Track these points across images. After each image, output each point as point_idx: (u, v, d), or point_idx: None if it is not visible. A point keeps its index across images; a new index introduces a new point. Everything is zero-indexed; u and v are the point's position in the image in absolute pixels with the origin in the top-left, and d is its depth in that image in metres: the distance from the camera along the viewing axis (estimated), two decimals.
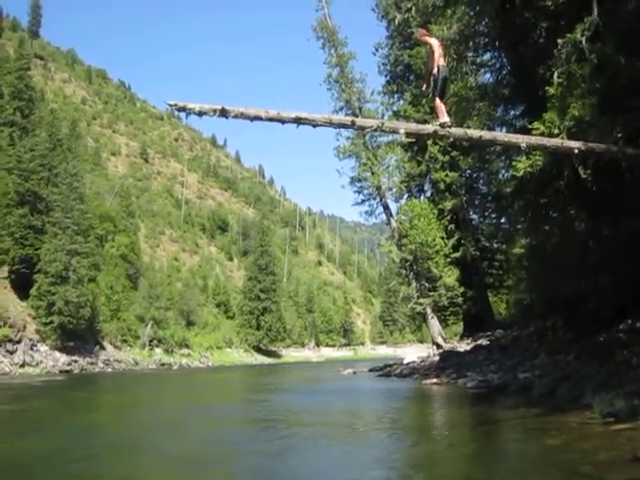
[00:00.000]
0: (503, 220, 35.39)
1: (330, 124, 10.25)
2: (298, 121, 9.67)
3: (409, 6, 31.51)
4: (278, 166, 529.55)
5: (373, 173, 38.52)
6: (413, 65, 38.34)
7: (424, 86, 12.16)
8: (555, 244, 20.34)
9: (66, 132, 71.61)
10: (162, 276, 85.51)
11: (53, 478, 8.19)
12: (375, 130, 10.54)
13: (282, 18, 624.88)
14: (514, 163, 17.30)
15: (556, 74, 15.61)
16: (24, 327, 47.38)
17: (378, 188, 38.72)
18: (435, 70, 11.11)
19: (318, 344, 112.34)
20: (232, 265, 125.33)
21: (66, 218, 51.94)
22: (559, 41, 15.37)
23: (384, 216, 40.01)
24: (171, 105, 9.14)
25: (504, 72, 23.59)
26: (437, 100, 11.19)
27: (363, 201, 40.07)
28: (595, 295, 16.92)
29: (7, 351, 43.90)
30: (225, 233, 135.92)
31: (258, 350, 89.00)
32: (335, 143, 40.11)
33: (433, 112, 11.21)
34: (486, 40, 23.04)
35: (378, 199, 39.42)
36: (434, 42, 11.45)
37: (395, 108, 41.07)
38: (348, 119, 11.89)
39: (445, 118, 10.88)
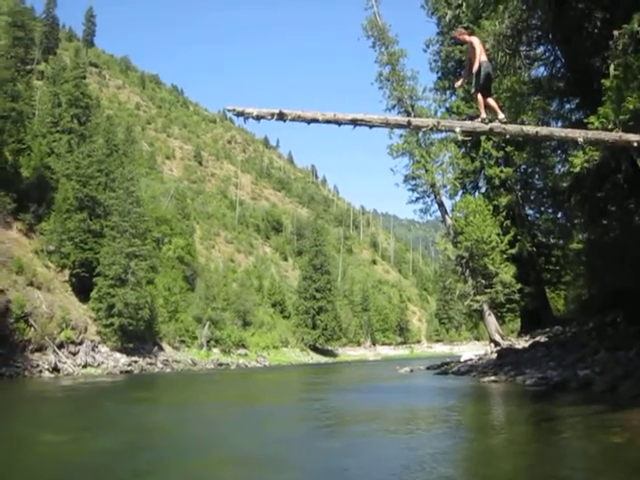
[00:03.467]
0: (560, 215, 34.99)
1: (386, 125, 10.32)
2: (354, 123, 9.75)
3: (460, 2, 31.37)
4: (330, 166, 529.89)
5: (427, 170, 38.34)
6: (465, 61, 37.98)
7: (458, 82, 12.16)
8: (614, 238, 20.05)
9: (122, 137, 73.09)
10: (218, 277, 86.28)
11: (122, 474, 8.40)
12: (431, 129, 10.55)
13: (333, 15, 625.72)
14: (570, 158, 17.12)
15: (612, 66, 15.40)
16: (85, 329, 48.40)
17: (432, 185, 38.53)
18: (477, 66, 11.06)
19: (374, 343, 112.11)
20: (287, 265, 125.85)
21: (124, 222, 52.90)
22: (615, 32, 15.16)
23: (439, 213, 39.83)
24: (230, 110, 9.33)
25: (558, 65, 23.31)
26: (479, 96, 11.15)
27: (417, 199, 39.93)
28: None
29: (70, 352, 44.93)
30: (279, 233, 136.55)
31: (314, 349, 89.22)
32: (388, 141, 39.99)
33: (492, 110, 11.10)
34: (539, 33, 22.80)
35: (432, 196, 39.23)
36: (475, 40, 11.39)
37: (447, 105, 40.79)
38: (404, 119, 11.90)
39: (499, 114, 10.85)
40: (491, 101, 11.15)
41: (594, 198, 20.40)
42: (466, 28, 14.46)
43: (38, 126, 58.27)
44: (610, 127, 13.81)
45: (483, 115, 10.81)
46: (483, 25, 22.83)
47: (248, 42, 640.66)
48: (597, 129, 13.50)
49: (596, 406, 12.39)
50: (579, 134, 10.98)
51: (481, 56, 11.11)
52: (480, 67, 11.04)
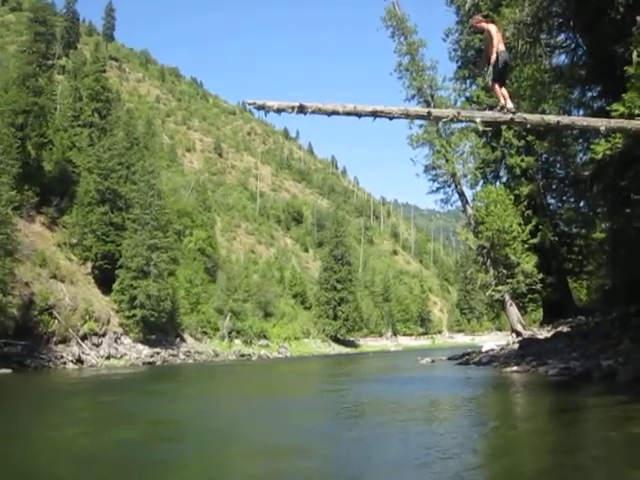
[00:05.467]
0: (582, 204, 34.62)
1: (407, 116, 10.28)
2: (375, 114, 9.72)
3: None
4: (350, 156, 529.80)
5: (447, 160, 38.17)
6: (483, 49, 37.58)
7: (477, 70, 12.07)
8: (638, 227, 19.83)
9: (142, 130, 73.51)
10: (239, 269, 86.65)
11: (145, 466, 8.46)
12: (451, 120, 10.50)
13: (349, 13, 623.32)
14: (592, 146, 16.96)
15: (635, 53, 15.22)
16: (108, 321, 48.85)
17: (453, 175, 38.37)
18: (494, 56, 10.95)
19: (395, 333, 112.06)
20: (308, 256, 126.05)
21: (145, 214, 53.21)
22: (638, 18, 14.97)
23: (459, 203, 39.63)
24: (250, 104, 9.35)
25: (579, 53, 23.07)
26: (496, 86, 11.06)
27: (438, 189, 39.77)
28: None
29: (93, 344, 45.40)
30: (300, 224, 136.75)
31: (335, 340, 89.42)
32: (408, 132, 39.83)
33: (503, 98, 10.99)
34: (560, 21, 22.56)
35: (453, 186, 39.06)
36: (492, 28, 11.26)
37: (467, 94, 40.46)
38: (424, 110, 11.85)
39: (509, 103, 10.76)
40: (503, 90, 11.06)
41: (617, 187, 20.18)
42: (486, 16, 14.31)
43: (60, 120, 58.71)
44: (637, 112, 13.66)
45: (502, 103, 10.73)
46: (503, 13, 22.64)
47: (268, 35, 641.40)
48: (622, 116, 13.36)
49: (620, 397, 12.31)
50: (601, 123, 10.86)
51: (499, 45, 11.01)
52: (497, 56, 10.94)
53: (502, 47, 11.08)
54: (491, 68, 11.08)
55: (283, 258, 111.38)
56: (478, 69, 11.48)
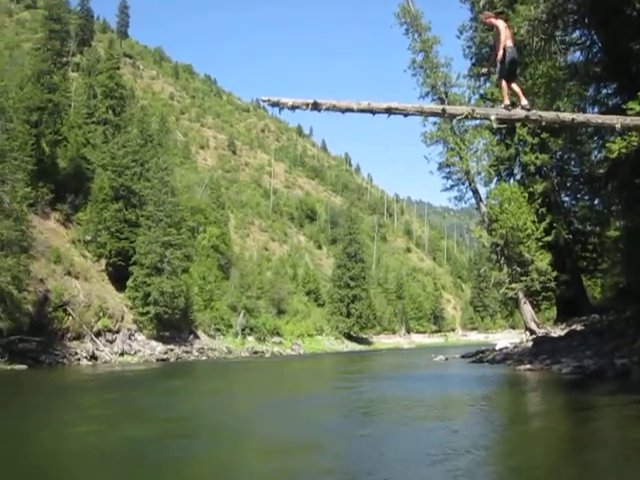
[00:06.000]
0: (596, 202, 34.48)
1: (421, 113, 10.31)
2: (389, 111, 9.74)
3: None
4: (364, 154, 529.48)
5: (461, 158, 38.07)
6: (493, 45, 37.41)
7: (485, 68, 12.05)
8: None
9: (156, 127, 73.61)
10: (252, 266, 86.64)
11: (158, 463, 8.51)
12: (466, 117, 10.46)
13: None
14: (607, 144, 16.88)
15: None
16: (122, 317, 49.00)
17: (467, 173, 38.28)
18: (501, 52, 10.93)
19: (409, 331, 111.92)
20: (321, 253, 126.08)
21: (159, 211, 53.31)
22: None
23: (473, 201, 39.53)
24: (265, 101, 9.39)
25: (595, 50, 22.97)
26: (503, 82, 11.04)
27: (452, 186, 39.70)
28: None
29: (107, 340, 45.53)
30: (313, 222, 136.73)
31: (349, 337, 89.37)
32: (422, 129, 39.77)
33: (515, 95, 10.98)
34: (575, 17, 22.44)
35: (467, 184, 38.97)
36: (500, 24, 11.22)
37: (482, 91, 40.33)
38: (439, 107, 11.83)
39: (522, 100, 10.74)
40: (515, 86, 11.04)
41: (632, 185, 20.11)
42: (501, 13, 14.28)
43: (74, 117, 58.88)
44: None
45: (507, 101, 10.72)
46: (518, 10, 22.57)
47: (282, 33, 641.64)
48: (638, 114, 13.30)
49: (634, 395, 12.27)
50: (617, 120, 10.78)
51: (506, 41, 10.97)
52: (505, 53, 10.91)
53: (510, 43, 11.03)
54: (498, 65, 11.07)
55: (296, 255, 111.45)
56: (489, 66, 11.44)
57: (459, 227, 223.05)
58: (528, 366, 22.90)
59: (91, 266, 51.08)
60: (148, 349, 48.25)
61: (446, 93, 39.12)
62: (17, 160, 39.05)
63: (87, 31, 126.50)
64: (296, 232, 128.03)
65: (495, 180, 40.00)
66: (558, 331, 32.25)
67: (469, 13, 39.94)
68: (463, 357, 36.20)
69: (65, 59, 72.57)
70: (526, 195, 36.29)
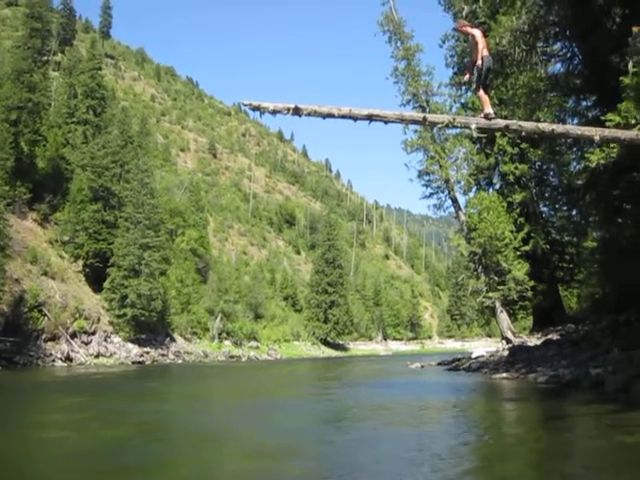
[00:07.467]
0: (574, 213, 34.82)
1: (402, 120, 10.33)
2: (370, 118, 9.76)
3: None
4: (345, 160, 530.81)
5: (441, 166, 38.21)
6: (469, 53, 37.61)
7: (466, 76, 12.10)
8: (629, 237, 19.92)
9: (136, 129, 73.14)
10: (231, 270, 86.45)
11: (130, 467, 8.41)
12: (447, 126, 10.52)
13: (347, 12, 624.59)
14: (587, 155, 17.02)
15: (631, 63, 15.27)
16: (98, 319, 48.66)
17: (446, 181, 38.43)
18: (479, 61, 10.99)
19: (385, 338, 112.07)
20: (299, 258, 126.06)
21: (137, 213, 53.03)
22: (634, 29, 15.02)
23: (452, 209, 39.69)
24: (246, 104, 9.37)
25: (575, 62, 23.19)
26: (481, 91, 11.11)
27: (431, 194, 39.80)
28: None
29: (82, 342, 45.19)
30: (292, 227, 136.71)
31: (325, 343, 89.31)
32: (402, 136, 39.84)
33: (500, 104, 11.09)
34: (556, 29, 22.67)
35: (446, 192, 39.11)
36: (477, 33, 11.27)
37: (463, 100, 40.54)
38: (420, 115, 11.89)
39: (489, 109, 10.80)
40: (484, 94, 11.11)
41: (609, 196, 20.28)
42: (483, 23, 14.36)
43: (54, 117, 58.50)
44: (633, 122, 13.71)
45: (487, 110, 10.77)
46: (500, 20, 22.74)
47: (265, 36, 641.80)
48: (617, 125, 13.41)
49: (608, 405, 12.34)
50: (595, 132, 10.88)
51: (483, 50, 11.04)
52: (482, 62, 10.98)
53: (486, 52, 11.11)
54: (476, 73, 11.13)
55: (275, 260, 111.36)
56: (470, 73, 11.47)
57: (438, 235, 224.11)
58: (504, 375, 22.98)
59: (68, 267, 50.69)
60: (124, 351, 47.91)
61: (427, 101, 39.27)
62: None
63: (69, 30, 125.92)
64: (275, 237, 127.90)
65: (474, 189, 40.23)
66: (534, 340, 32.41)
67: (452, 23, 40.19)
68: (439, 365, 36.29)
69: (46, 58, 71.95)
70: (505, 205, 36.50)
